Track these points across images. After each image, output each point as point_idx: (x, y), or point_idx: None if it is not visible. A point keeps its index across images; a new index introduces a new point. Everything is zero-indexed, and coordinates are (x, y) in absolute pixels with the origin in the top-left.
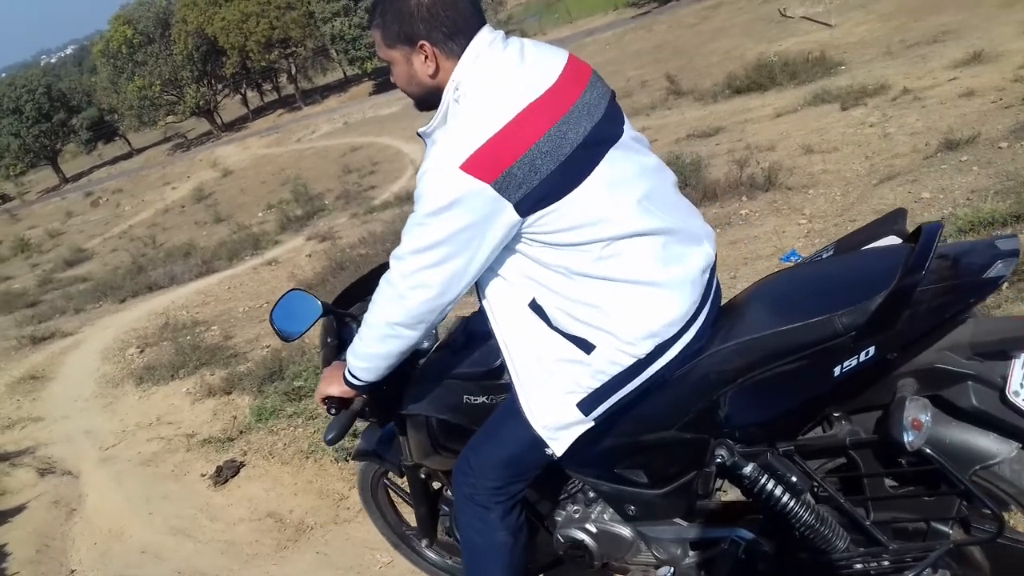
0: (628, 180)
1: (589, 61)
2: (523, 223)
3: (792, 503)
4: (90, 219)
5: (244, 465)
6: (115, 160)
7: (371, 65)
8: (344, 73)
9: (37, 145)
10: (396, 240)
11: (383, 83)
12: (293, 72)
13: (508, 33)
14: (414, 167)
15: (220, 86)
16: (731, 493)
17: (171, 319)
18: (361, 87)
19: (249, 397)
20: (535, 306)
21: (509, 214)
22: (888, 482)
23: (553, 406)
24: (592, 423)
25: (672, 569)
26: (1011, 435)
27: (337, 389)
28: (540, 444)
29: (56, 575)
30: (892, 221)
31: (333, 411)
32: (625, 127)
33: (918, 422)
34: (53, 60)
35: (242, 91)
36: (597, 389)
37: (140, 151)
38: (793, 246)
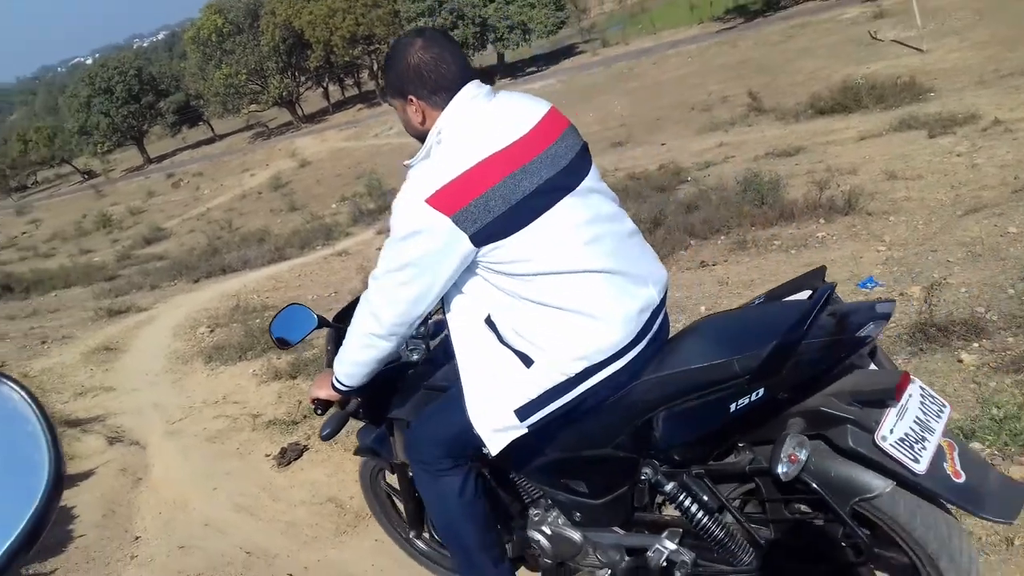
0: (578, 225)
1: (671, 73)
2: (478, 252)
3: (704, 519)
4: (170, 200)
5: (307, 449)
6: (198, 144)
7: None
8: None
9: (125, 125)
10: None
11: None
12: (375, 68)
13: (587, 41)
14: None
15: (303, 78)
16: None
17: (242, 302)
18: None
19: None
20: (489, 322)
21: (464, 244)
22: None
23: (493, 410)
24: (526, 429)
25: (610, 572)
26: (884, 474)
27: (325, 393)
28: (478, 439)
29: (121, 540)
30: (813, 276)
31: (319, 411)
32: (587, 178)
33: (794, 456)
34: (145, 44)
35: (324, 84)
36: (533, 399)
37: (222, 137)
38: (870, 273)
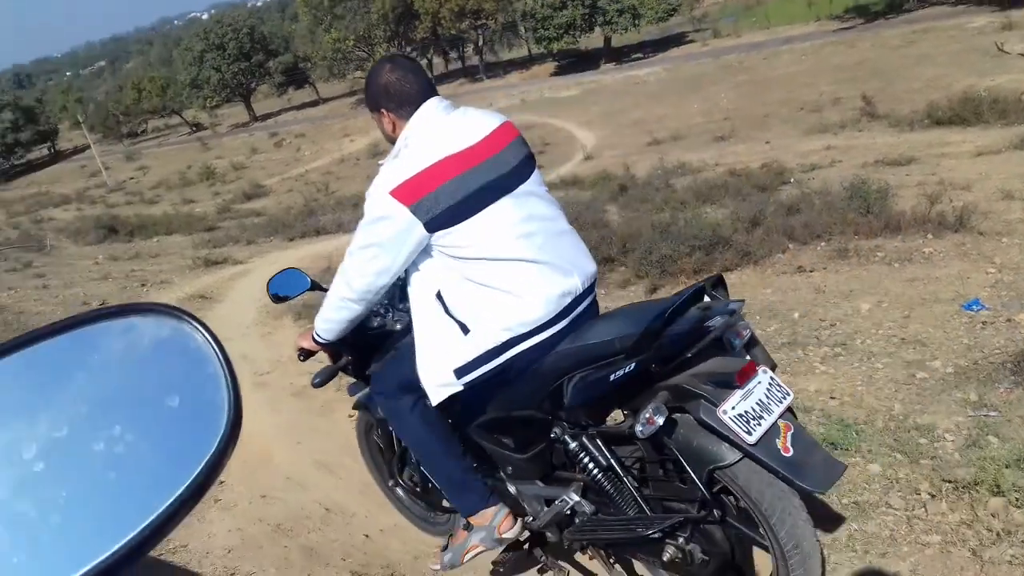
0: (514, 221)
1: (782, 70)
2: (431, 237)
3: (597, 474)
4: (272, 158)
5: None
6: (302, 106)
7: (558, 46)
8: (529, 51)
9: (234, 82)
10: None
11: (566, 65)
12: (480, 44)
13: (698, 30)
14: (584, 153)
15: (409, 48)
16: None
17: (333, 264)
18: (543, 67)
19: None
20: (439, 296)
21: (419, 230)
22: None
23: (436, 368)
24: (461, 387)
25: (533, 518)
26: (733, 446)
27: (307, 344)
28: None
29: None
30: (711, 280)
31: (302, 358)
32: (527, 183)
33: (651, 420)
34: (259, 3)
35: (429, 56)
36: (468, 361)
37: (326, 101)
38: (977, 295)
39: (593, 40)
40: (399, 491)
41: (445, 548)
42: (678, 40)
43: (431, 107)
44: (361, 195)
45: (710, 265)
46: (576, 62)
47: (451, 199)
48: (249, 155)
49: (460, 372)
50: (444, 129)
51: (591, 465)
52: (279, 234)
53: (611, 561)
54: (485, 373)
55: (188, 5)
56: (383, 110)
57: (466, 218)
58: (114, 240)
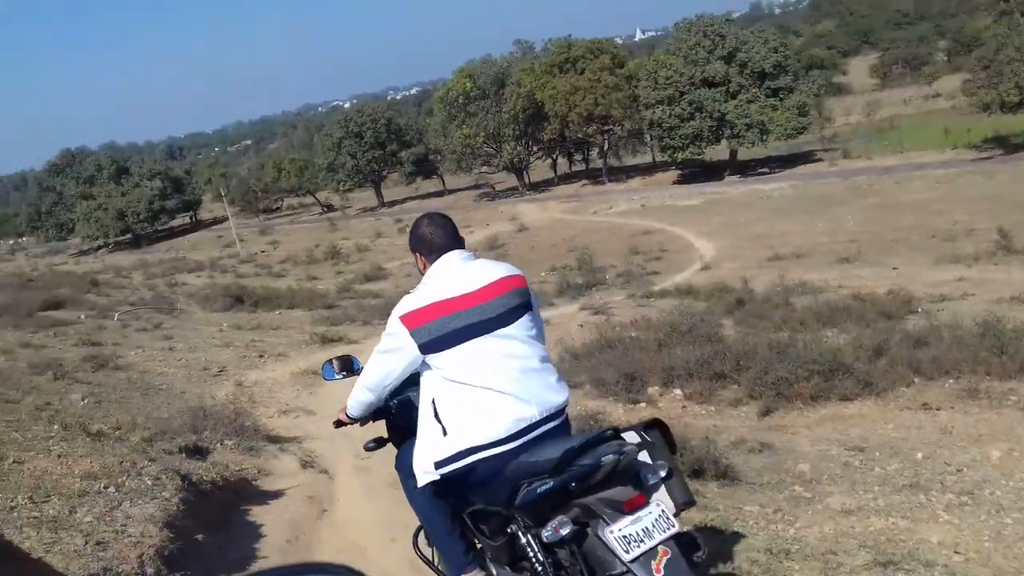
0: (490, 356)
1: (914, 196)
2: (424, 358)
3: (536, 567)
4: (395, 243)
5: None
6: (428, 195)
7: (682, 155)
8: (653, 158)
9: (368, 168)
10: (669, 329)
11: (690, 175)
12: (605, 148)
13: (827, 149)
14: (702, 262)
15: (535, 148)
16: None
17: None
18: (666, 174)
19: None
20: (432, 401)
21: (413, 349)
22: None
23: (422, 458)
24: (438, 476)
25: None
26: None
27: (343, 417)
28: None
29: None
30: (644, 425)
31: (336, 427)
32: (511, 327)
33: (558, 528)
34: (398, 97)
35: (554, 156)
36: (444, 458)
37: (451, 192)
38: None
39: (718, 152)
40: (418, 554)
41: None
42: (806, 157)
43: (451, 257)
44: None
45: (828, 392)
46: (700, 172)
47: (441, 331)
48: (373, 238)
49: (438, 464)
50: (454, 275)
51: (532, 559)
52: None
53: None
54: (456, 469)
55: (332, 94)
56: (418, 253)
57: (449, 347)
58: (239, 309)
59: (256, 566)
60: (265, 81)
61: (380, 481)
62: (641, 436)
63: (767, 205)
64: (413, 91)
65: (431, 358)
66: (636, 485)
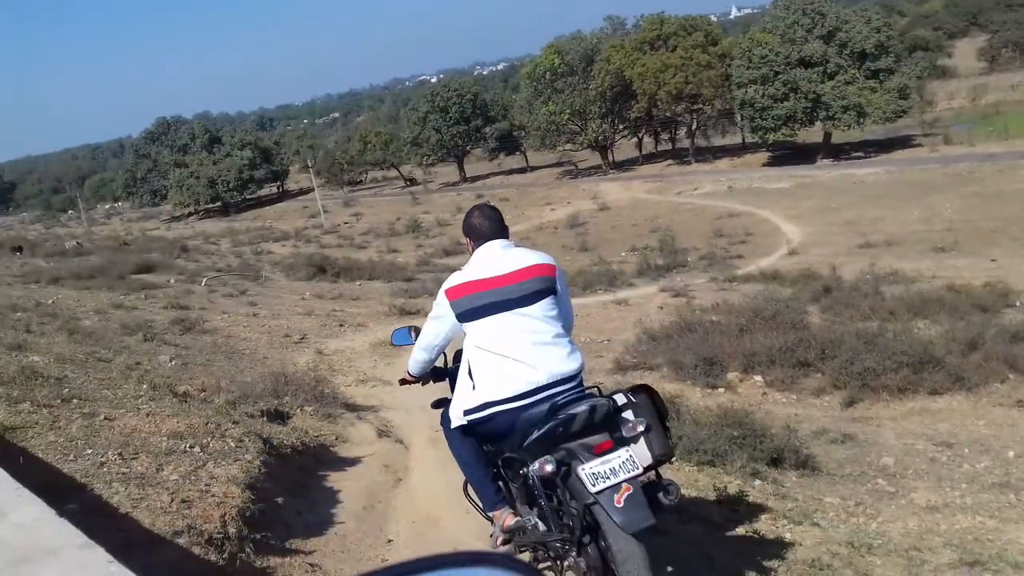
0: (510, 330)
1: (1017, 186)
2: (461, 326)
3: (540, 502)
4: None
5: None
6: (510, 172)
7: (774, 137)
8: (743, 139)
9: (452, 143)
10: (752, 314)
11: (780, 157)
12: (693, 127)
13: (927, 135)
14: (789, 247)
15: (621, 126)
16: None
17: None
18: (756, 156)
19: None
20: (468, 363)
21: (452, 317)
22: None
23: (457, 406)
24: (466, 421)
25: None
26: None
27: (405, 375)
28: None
29: (375, 539)
30: (632, 389)
31: (401, 384)
32: (530, 307)
33: (543, 466)
34: (484, 72)
35: (640, 135)
36: (471, 407)
37: (533, 169)
38: None
39: (812, 134)
40: (468, 499)
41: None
42: (904, 142)
43: (493, 244)
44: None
45: (917, 385)
46: (791, 155)
47: (471, 304)
48: (454, 213)
49: (466, 412)
50: (492, 259)
51: (536, 493)
52: None
53: (538, 566)
54: (478, 417)
55: (420, 68)
56: (468, 238)
57: (479, 318)
58: (321, 279)
59: (333, 532)
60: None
61: None
62: (628, 398)
63: (860, 190)
64: (500, 66)
65: (467, 326)
66: (613, 435)
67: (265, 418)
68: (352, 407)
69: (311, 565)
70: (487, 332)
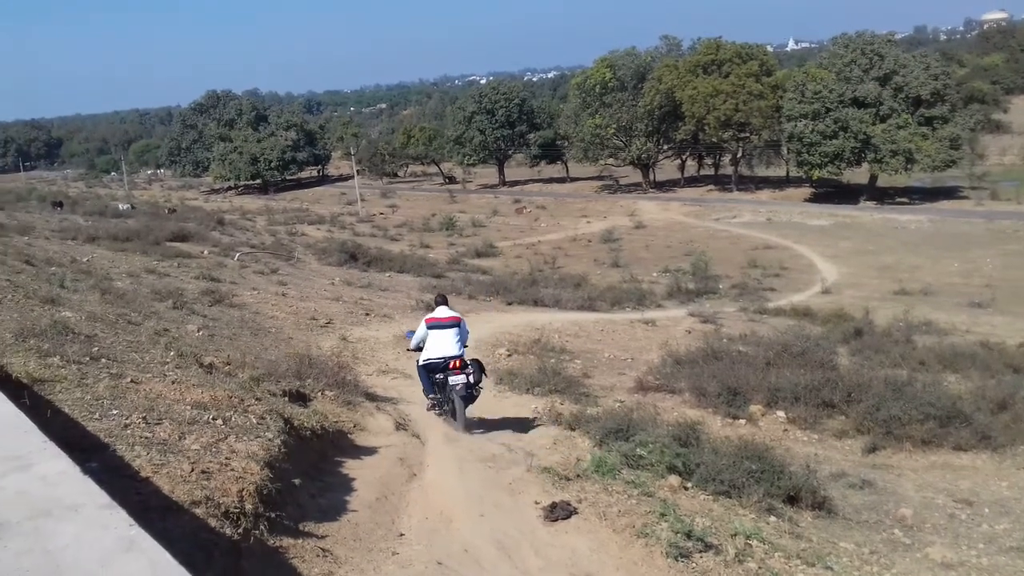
0: (442, 335)
1: None
2: (428, 332)
3: (448, 392)
4: (509, 222)
5: (576, 513)
6: (550, 180)
7: (819, 173)
8: (787, 172)
9: (494, 146)
10: (780, 348)
11: (823, 195)
12: (738, 155)
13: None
14: (823, 286)
15: (666, 146)
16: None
17: (544, 337)
18: (799, 190)
19: (590, 442)
20: (424, 342)
21: (426, 328)
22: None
23: (421, 358)
24: (422, 363)
25: (440, 402)
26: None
27: (406, 345)
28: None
29: (387, 529)
30: (474, 360)
31: (407, 350)
32: (452, 331)
33: (455, 384)
34: (535, 79)
35: (683, 157)
36: (424, 360)
37: (573, 180)
38: None
39: (858, 175)
40: (428, 408)
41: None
42: (950, 193)
43: (443, 307)
44: (585, 276)
45: (942, 438)
46: (834, 193)
47: (432, 325)
48: (490, 215)
49: (424, 361)
50: (440, 312)
51: (439, 388)
52: (499, 296)
53: (446, 409)
54: (426, 362)
55: (470, 68)
56: (435, 302)
57: (434, 330)
58: (352, 266)
59: (346, 519)
60: (408, 47)
61: (471, 454)
62: (474, 362)
63: (900, 236)
64: (551, 74)
65: (430, 332)
66: (463, 369)
67: (287, 398)
68: (372, 396)
69: (322, 550)
70: (435, 335)
